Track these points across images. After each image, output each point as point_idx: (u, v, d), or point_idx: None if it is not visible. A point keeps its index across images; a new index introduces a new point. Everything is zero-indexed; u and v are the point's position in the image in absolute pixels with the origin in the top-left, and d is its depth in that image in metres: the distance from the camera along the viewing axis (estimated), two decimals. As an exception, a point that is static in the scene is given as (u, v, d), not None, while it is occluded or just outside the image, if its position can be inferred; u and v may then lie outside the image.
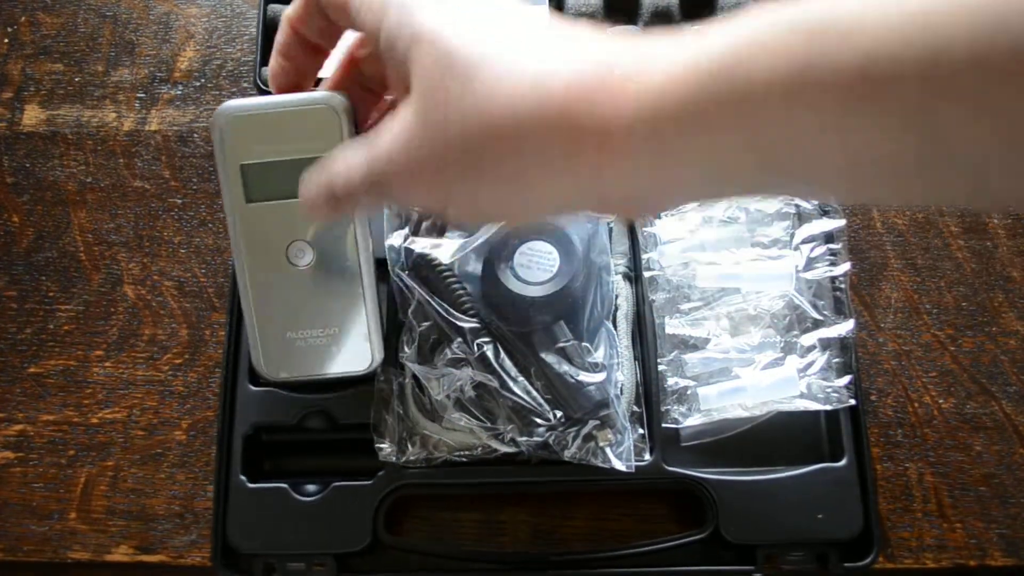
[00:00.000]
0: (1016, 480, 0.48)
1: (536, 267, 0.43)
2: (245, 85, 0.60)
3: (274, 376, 0.37)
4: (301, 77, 0.35)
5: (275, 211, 0.34)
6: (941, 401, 0.50)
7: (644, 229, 0.49)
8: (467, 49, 0.24)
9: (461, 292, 0.45)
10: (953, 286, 0.53)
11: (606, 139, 0.23)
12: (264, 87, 0.54)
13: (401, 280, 0.46)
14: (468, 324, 0.44)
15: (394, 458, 0.44)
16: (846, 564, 0.44)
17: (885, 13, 0.19)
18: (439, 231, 0.49)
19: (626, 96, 0.23)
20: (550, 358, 0.43)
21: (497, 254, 0.44)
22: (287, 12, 0.33)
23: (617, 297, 0.47)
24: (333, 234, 0.35)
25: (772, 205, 0.49)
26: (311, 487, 0.45)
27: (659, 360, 0.46)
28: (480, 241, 0.44)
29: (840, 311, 0.47)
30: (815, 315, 0.47)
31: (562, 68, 0.24)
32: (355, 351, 0.37)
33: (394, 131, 0.27)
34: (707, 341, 0.47)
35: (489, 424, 0.43)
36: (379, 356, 0.37)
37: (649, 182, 0.24)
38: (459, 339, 0.45)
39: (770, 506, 0.44)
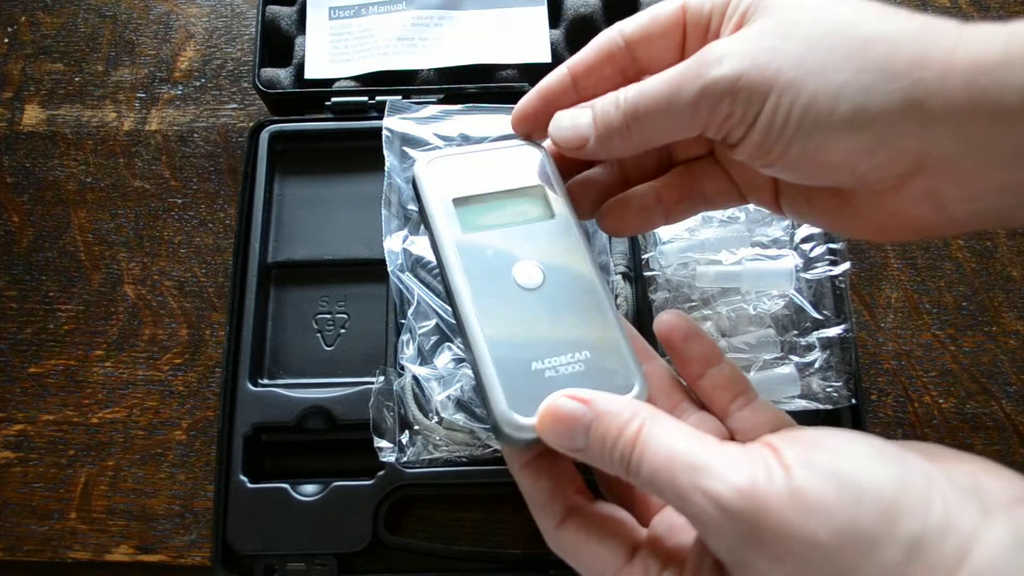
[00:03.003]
0: (1016, 480, 0.48)
1: None
2: (245, 85, 0.60)
3: (524, 415, 0.27)
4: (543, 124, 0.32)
5: (494, 237, 0.31)
6: (941, 401, 0.50)
7: (644, 229, 0.49)
8: None
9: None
10: (953, 286, 0.53)
11: None
12: (264, 87, 0.54)
13: (401, 281, 0.46)
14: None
15: (394, 458, 0.44)
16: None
17: None
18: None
19: None
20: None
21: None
22: (572, 60, 0.31)
23: (617, 297, 0.47)
24: (558, 246, 0.31)
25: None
26: (311, 487, 0.45)
27: (659, 360, 0.46)
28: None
29: (840, 311, 0.47)
30: (815, 315, 0.47)
31: None
32: (614, 374, 0.29)
33: None
34: (707, 341, 0.47)
35: (489, 424, 0.43)
36: (642, 379, 0.29)
37: None
38: (459, 339, 0.45)
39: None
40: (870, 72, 0.24)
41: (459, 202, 0.31)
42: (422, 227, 0.50)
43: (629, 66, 0.31)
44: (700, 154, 0.33)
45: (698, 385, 0.30)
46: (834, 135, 0.25)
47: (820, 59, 0.25)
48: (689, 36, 0.30)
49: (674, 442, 0.24)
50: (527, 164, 0.32)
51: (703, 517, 0.23)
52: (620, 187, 0.33)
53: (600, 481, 0.32)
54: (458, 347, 0.45)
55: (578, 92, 0.31)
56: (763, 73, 0.25)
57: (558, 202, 0.32)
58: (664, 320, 0.30)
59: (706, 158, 0.33)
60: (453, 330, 0.45)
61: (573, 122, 0.30)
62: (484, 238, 0.31)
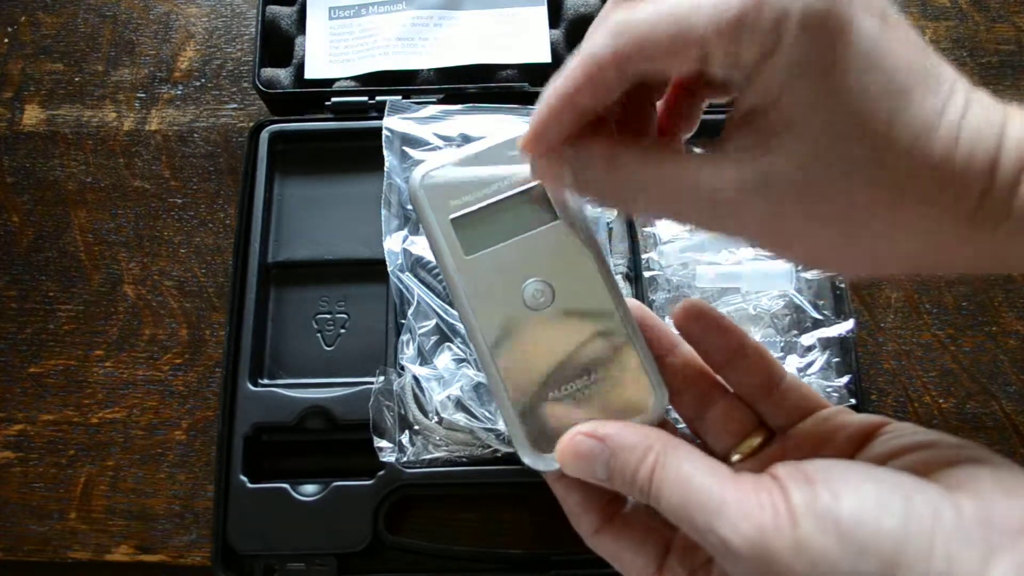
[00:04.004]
0: (1016, 480, 0.48)
1: None
2: (245, 85, 0.60)
3: (546, 453, 0.27)
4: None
5: (498, 256, 0.30)
6: (941, 401, 0.50)
7: (644, 229, 0.49)
8: None
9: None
10: (953, 286, 0.53)
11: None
12: (264, 87, 0.54)
13: (401, 281, 0.46)
14: (468, 324, 0.44)
15: (394, 458, 0.44)
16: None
17: None
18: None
19: None
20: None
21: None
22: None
23: (617, 297, 0.47)
24: (565, 253, 0.30)
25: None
26: (311, 487, 0.45)
27: (659, 360, 0.46)
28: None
29: (840, 311, 0.47)
30: (815, 315, 0.47)
31: None
32: (631, 392, 0.28)
33: None
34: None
35: (489, 424, 0.43)
36: (660, 388, 0.28)
37: None
38: (459, 339, 0.45)
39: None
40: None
41: (458, 222, 0.30)
42: (422, 228, 0.50)
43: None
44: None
45: (724, 373, 0.30)
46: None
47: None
48: None
49: (688, 480, 0.25)
50: (520, 161, 0.30)
51: (719, 555, 0.24)
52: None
53: None
54: (458, 347, 0.45)
55: None
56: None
57: (558, 201, 0.30)
58: (682, 310, 0.30)
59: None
60: (453, 330, 0.45)
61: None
62: (488, 259, 0.30)
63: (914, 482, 0.24)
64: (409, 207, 0.50)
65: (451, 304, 0.46)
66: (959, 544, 0.22)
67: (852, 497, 0.23)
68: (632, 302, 0.30)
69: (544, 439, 0.28)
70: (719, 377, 0.30)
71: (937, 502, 0.23)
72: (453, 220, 0.30)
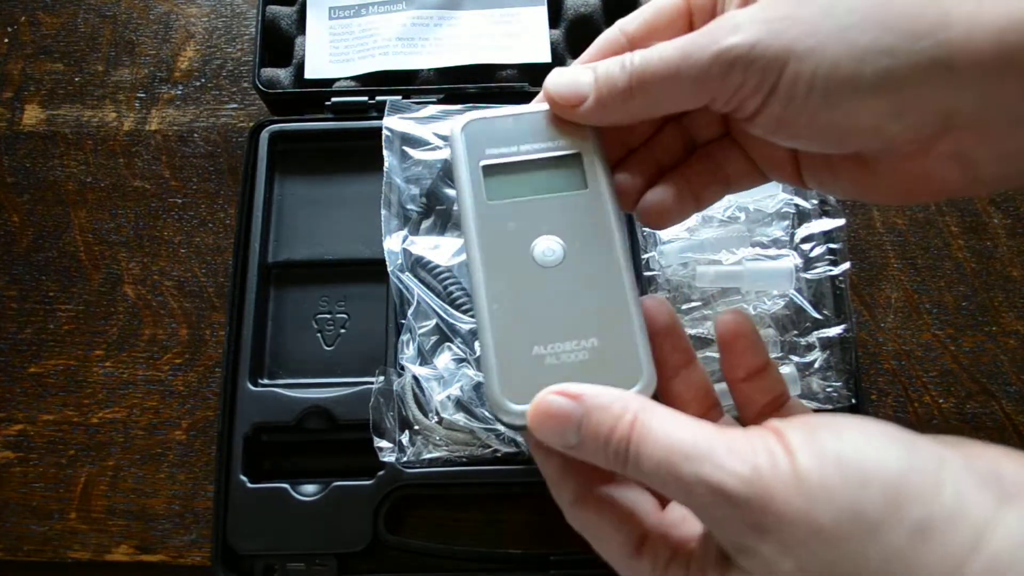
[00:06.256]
0: (1016, 480, 0.48)
1: None
2: (245, 85, 0.60)
3: (518, 404, 0.26)
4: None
5: (519, 208, 0.30)
6: (941, 401, 0.50)
7: (644, 229, 0.49)
8: None
9: (460, 293, 0.46)
10: (953, 286, 0.53)
11: None
12: (264, 87, 0.54)
13: (401, 281, 0.46)
14: (467, 325, 0.44)
15: (394, 458, 0.44)
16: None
17: None
18: (441, 227, 0.49)
19: None
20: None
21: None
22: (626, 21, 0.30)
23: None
24: (586, 220, 0.30)
25: (772, 205, 0.49)
26: (311, 487, 0.45)
27: (659, 360, 0.46)
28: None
29: (840, 311, 0.47)
30: (815, 315, 0.47)
31: None
32: (620, 367, 0.27)
33: None
34: (707, 341, 0.47)
35: (489, 424, 0.43)
36: (650, 371, 0.27)
37: None
38: (459, 339, 0.45)
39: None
40: (894, 32, 0.24)
41: (489, 170, 0.30)
42: (422, 227, 0.50)
43: None
44: (717, 135, 0.32)
45: (738, 387, 0.29)
46: (861, 99, 0.24)
47: (839, 23, 0.24)
48: (696, 21, 0.29)
49: (672, 432, 0.23)
50: (568, 129, 0.31)
51: (708, 508, 0.22)
52: (655, 175, 0.32)
53: None
54: (458, 347, 0.45)
55: None
56: (780, 40, 0.25)
57: (594, 173, 0.30)
58: (734, 324, 0.29)
59: (724, 140, 0.32)
60: (453, 330, 0.45)
61: (573, 78, 0.29)
62: (508, 209, 0.30)
63: (919, 436, 0.23)
64: (409, 207, 0.50)
65: (449, 304, 0.46)
66: (969, 485, 0.21)
67: (854, 436, 0.22)
68: (660, 299, 0.30)
69: (519, 391, 0.27)
70: (716, 393, 0.30)
71: (941, 451, 0.22)
72: (484, 166, 0.30)
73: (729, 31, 0.25)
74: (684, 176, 0.32)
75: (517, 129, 0.31)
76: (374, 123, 0.51)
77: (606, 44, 0.30)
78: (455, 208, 0.49)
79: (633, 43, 0.30)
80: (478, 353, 0.43)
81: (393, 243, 0.47)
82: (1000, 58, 0.23)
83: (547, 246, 0.29)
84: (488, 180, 0.30)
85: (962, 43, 0.23)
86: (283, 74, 0.56)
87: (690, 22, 0.30)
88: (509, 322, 0.28)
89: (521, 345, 0.28)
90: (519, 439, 0.43)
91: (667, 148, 0.32)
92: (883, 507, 0.21)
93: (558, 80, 0.29)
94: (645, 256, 0.48)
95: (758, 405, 0.29)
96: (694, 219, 0.49)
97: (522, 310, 0.28)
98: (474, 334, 0.43)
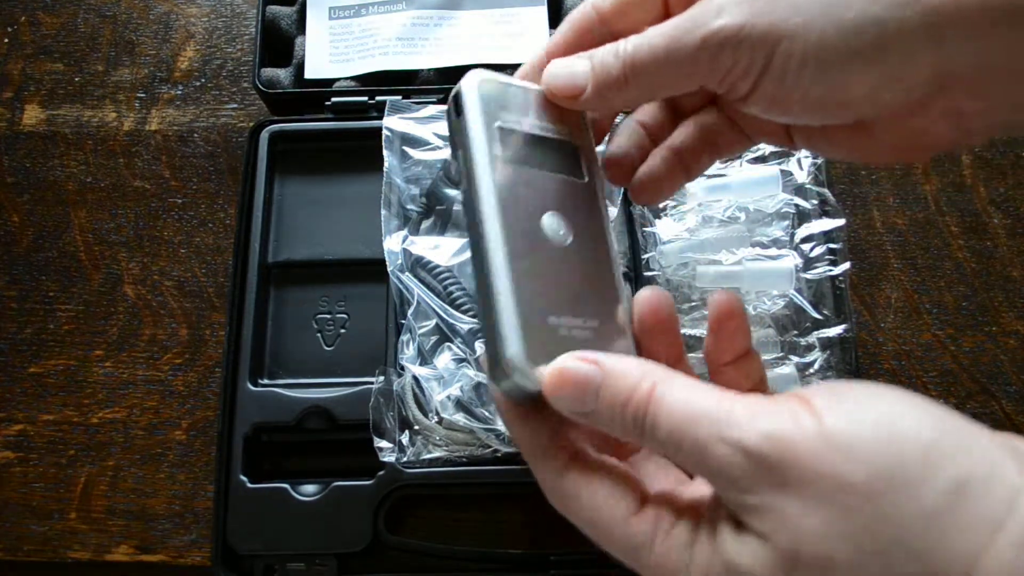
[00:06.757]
0: (1016, 480, 0.48)
1: None
2: (245, 85, 0.60)
3: (534, 364, 0.26)
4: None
5: (533, 176, 0.30)
6: (941, 401, 0.50)
7: (644, 229, 0.49)
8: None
9: (460, 293, 0.46)
10: (953, 286, 0.53)
11: None
12: (264, 87, 0.54)
13: (401, 281, 0.46)
14: (467, 325, 0.44)
15: (394, 458, 0.44)
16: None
17: None
18: (441, 227, 0.49)
19: None
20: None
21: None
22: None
23: (617, 297, 0.47)
24: (587, 209, 0.30)
25: (772, 205, 0.49)
26: (311, 487, 0.45)
27: (659, 360, 0.46)
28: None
29: (840, 311, 0.47)
30: (815, 315, 0.47)
31: None
32: (615, 351, 0.27)
33: None
34: (707, 341, 0.47)
35: (489, 424, 0.43)
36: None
37: None
38: (459, 339, 0.45)
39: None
40: (879, 3, 0.24)
41: (504, 132, 0.30)
42: (422, 227, 0.50)
43: (608, 41, 0.29)
44: (702, 104, 0.32)
45: (723, 371, 0.29)
46: (853, 72, 0.24)
47: (822, 0, 0.24)
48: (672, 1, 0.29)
49: (691, 397, 0.23)
50: (567, 119, 0.31)
51: (726, 468, 0.22)
52: (646, 150, 0.33)
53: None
54: (458, 347, 0.45)
55: None
56: (766, 20, 0.25)
57: (590, 166, 0.31)
58: (727, 305, 0.29)
59: (711, 109, 0.32)
60: (453, 330, 0.45)
61: (570, 70, 0.29)
62: (524, 173, 0.29)
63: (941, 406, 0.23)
64: (409, 207, 0.50)
65: (449, 304, 0.46)
66: (999, 453, 0.21)
67: (883, 400, 0.22)
68: (661, 292, 0.30)
69: (535, 356, 0.26)
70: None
71: (967, 423, 0.22)
72: (500, 128, 0.30)
73: (714, 14, 0.26)
74: (673, 149, 0.32)
75: (526, 102, 0.31)
76: (374, 123, 0.51)
77: (577, 21, 0.30)
78: (457, 201, 0.49)
79: (604, 20, 0.30)
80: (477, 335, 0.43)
81: (393, 243, 0.47)
82: (987, 12, 0.23)
83: (557, 222, 0.29)
84: (504, 141, 0.29)
85: (948, 3, 0.23)
86: (283, 74, 0.56)
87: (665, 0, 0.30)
88: (531, 284, 0.27)
89: (540, 310, 0.27)
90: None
91: (655, 120, 0.33)
92: (918, 465, 0.20)
93: (557, 73, 0.30)
94: (645, 256, 0.48)
95: (742, 390, 0.29)
96: (694, 219, 0.49)
97: (540, 278, 0.28)
98: (475, 334, 0.43)
